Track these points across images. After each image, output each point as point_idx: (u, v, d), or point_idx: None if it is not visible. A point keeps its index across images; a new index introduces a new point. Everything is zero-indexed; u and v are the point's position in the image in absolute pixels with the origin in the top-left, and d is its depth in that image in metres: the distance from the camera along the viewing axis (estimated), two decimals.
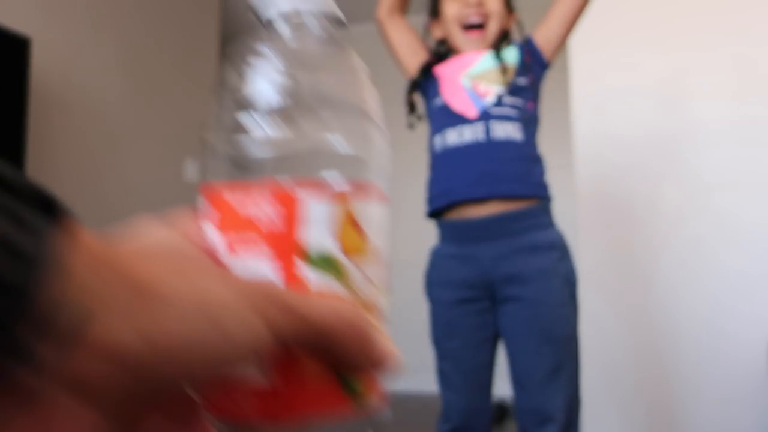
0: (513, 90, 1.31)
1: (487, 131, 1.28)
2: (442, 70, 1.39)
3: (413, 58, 1.45)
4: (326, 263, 0.25)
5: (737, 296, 2.03)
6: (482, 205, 1.27)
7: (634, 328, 2.15)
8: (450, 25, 1.37)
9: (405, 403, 3.59)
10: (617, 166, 2.22)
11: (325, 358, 0.24)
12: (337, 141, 0.26)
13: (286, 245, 0.25)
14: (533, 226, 1.27)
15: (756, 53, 2.09)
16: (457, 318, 1.31)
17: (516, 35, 1.46)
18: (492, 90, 1.30)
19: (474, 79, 1.32)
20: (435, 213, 1.37)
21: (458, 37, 1.36)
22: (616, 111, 2.24)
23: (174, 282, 0.21)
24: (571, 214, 2.16)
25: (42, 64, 2.51)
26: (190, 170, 3.43)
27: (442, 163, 1.34)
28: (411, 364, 3.56)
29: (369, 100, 0.28)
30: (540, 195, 1.31)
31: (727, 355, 2.01)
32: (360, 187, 0.27)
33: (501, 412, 3.03)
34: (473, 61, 1.35)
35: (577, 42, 2.32)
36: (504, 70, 1.32)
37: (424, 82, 1.42)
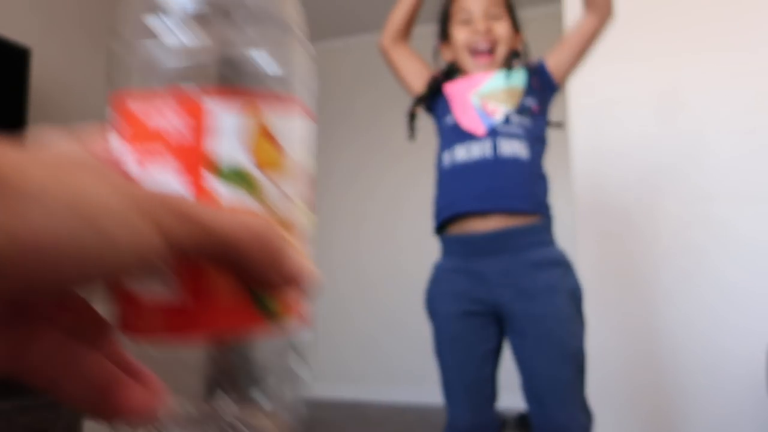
0: (521, 110, 1.35)
1: (495, 148, 1.31)
2: (452, 89, 1.43)
3: (419, 80, 1.49)
4: (238, 177, 0.24)
5: (736, 308, 2.00)
6: (486, 219, 1.29)
7: (632, 338, 2.12)
8: (459, 51, 1.41)
9: (409, 413, 3.56)
10: (615, 178, 2.21)
11: (233, 272, 0.23)
12: (256, 51, 0.25)
13: (194, 158, 0.24)
14: (536, 242, 1.30)
15: (753, 66, 2.09)
16: (461, 331, 1.32)
17: (523, 56, 1.50)
18: (500, 109, 1.34)
19: (483, 97, 1.36)
20: (441, 227, 1.39)
21: (467, 62, 1.40)
22: (614, 123, 2.24)
23: (44, 179, 0.19)
24: (570, 225, 2.14)
25: (42, 75, 2.53)
26: None
27: (450, 178, 1.37)
28: (415, 375, 3.54)
29: (291, 12, 0.27)
30: (543, 212, 1.34)
31: (726, 367, 1.98)
32: (277, 98, 0.25)
33: (522, 422, 2.97)
34: (483, 80, 1.38)
35: None
36: (512, 91, 1.36)
37: (433, 99, 1.45)
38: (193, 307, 0.24)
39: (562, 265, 1.31)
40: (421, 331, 3.77)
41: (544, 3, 3.76)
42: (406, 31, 1.51)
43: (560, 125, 1.50)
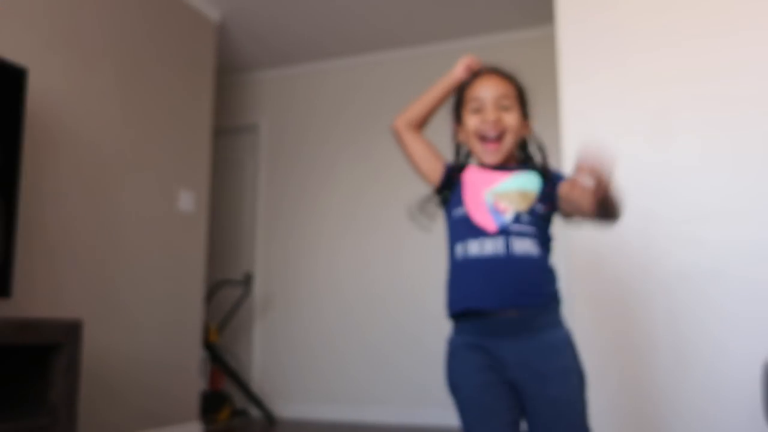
0: (531, 212, 1.41)
1: (507, 246, 1.38)
2: (467, 181, 1.50)
3: (431, 164, 1.58)
4: None
5: (729, 329, 2.03)
6: (499, 312, 1.37)
7: (622, 359, 2.14)
8: (470, 136, 1.51)
9: None
10: None
11: None
12: None
13: None
14: (548, 323, 1.38)
15: (741, 91, 2.13)
16: (489, 400, 1.37)
17: (541, 155, 1.56)
18: (511, 208, 1.41)
19: (496, 196, 1.43)
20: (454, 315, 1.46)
21: (476, 147, 1.50)
22: (606, 143, 2.26)
23: None
24: (563, 246, 2.16)
25: (38, 95, 2.54)
26: (184, 201, 3.44)
27: (463, 271, 1.43)
28: (423, 395, 3.46)
29: None
30: (553, 299, 1.42)
31: (722, 390, 2.00)
32: None
33: None
34: (499, 179, 1.46)
35: (566, 78, 2.36)
36: (526, 194, 1.43)
37: (449, 190, 1.53)
38: None
39: (572, 347, 1.40)
40: (428, 350, 3.78)
41: (538, 25, 3.81)
42: (421, 124, 1.62)
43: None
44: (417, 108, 1.61)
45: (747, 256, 2.04)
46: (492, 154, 1.47)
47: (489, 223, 1.41)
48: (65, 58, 2.77)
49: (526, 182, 1.45)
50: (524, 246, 1.38)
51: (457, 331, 1.44)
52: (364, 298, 4.13)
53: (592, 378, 2.15)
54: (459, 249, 1.44)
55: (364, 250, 4.19)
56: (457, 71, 1.57)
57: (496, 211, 1.41)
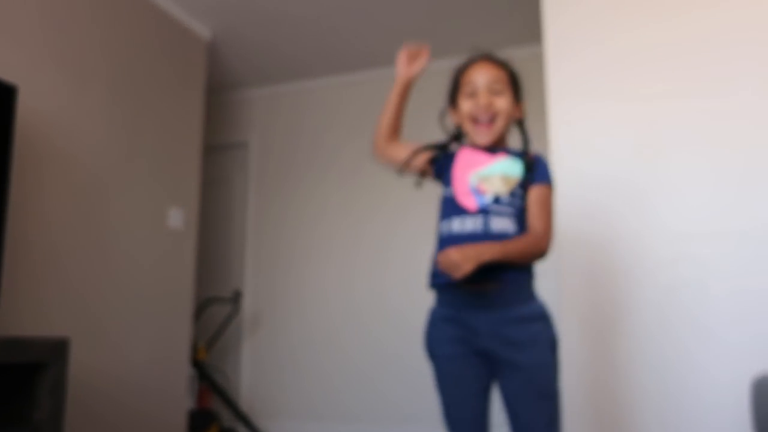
0: (511, 194, 1.52)
1: (485, 224, 1.48)
2: (458, 162, 1.60)
3: (418, 157, 1.66)
4: None
5: (714, 346, 2.03)
6: (475, 285, 1.46)
7: (610, 375, 2.14)
8: (463, 119, 1.60)
9: None
10: (595, 217, 2.25)
11: None
12: None
13: None
14: (521, 298, 1.48)
15: (728, 105, 2.15)
16: (459, 370, 1.50)
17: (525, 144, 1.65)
18: (492, 190, 1.51)
19: (480, 178, 1.53)
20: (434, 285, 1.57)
21: (470, 129, 1.59)
22: (594, 162, 2.29)
23: None
24: (552, 261, 2.17)
25: (28, 113, 2.53)
26: (174, 218, 3.43)
27: (446, 246, 1.51)
28: (407, 414, 3.49)
29: None
30: (527, 273, 1.52)
31: (706, 407, 2.01)
32: None
33: None
34: (484, 163, 1.56)
35: (554, 96, 2.38)
36: (508, 179, 1.53)
37: (441, 167, 1.63)
38: None
39: (543, 319, 1.49)
40: (413, 369, 3.76)
41: (526, 44, 3.85)
42: (395, 131, 1.68)
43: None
44: (383, 117, 1.69)
45: (734, 273, 2.05)
46: (484, 135, 1.57)
47: (471, 202, 1.52)
48: (55, 75, 2.77)
49: (509, 168, 1.55)
50: (502, 224, 1.48)
51: (437, 302, 1.57)
52: (352, 316, 4.12)
53: (579, 394, 2.15)
54: (444, 226, 1.55)
55: (352, 268, 4.18)
56: (399, 69, 1.66)
57: (477, 192, 1.52)
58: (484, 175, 1.54)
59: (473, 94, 1.58)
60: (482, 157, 1.58)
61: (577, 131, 2.33)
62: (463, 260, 1.34)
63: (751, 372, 1.82)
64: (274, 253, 4.42)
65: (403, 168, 1.67)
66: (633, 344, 2.13)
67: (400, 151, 1.67)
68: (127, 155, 3.15)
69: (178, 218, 3.46)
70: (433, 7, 3.56)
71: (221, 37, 3.90)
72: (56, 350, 2.09)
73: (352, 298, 4.14)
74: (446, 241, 1.52)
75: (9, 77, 2.42)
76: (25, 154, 2.53)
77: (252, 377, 4.33)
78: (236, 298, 4.19)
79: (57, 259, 2.70)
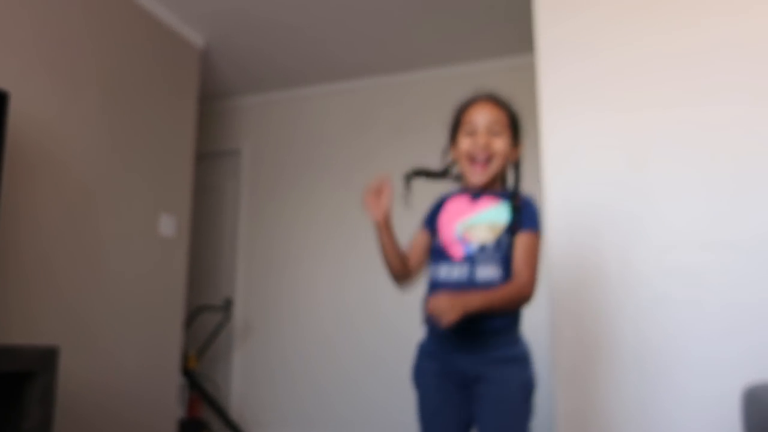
0: (497, 242, 1.55)
1: (470, 272, 1.53)
2: (446, 211, 1.65)
3: (425, 249, 1.69)
4: None
5: (706, 357, 2.04)
6: (460, 333, 1.51)
7: (601, 385, 2.14)
8: (461, 157, 1.64)
9: None
10: (588, 228, 2.25)
11: None
12: None
13: None
14: (503, 342, 1.54)
15: (718, 116, 2.17)
16: (441, 403, 1.57)
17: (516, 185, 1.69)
18: (478, 238, 1.55)
19: (466, 227, 1.58)
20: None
21: (466, 167, 1.64)
22: (586, 172, 2.30)
23: None
24: (544, 272, 2.18)
25: (20, 119, 2.52)
26: (165, 226, 3.42)
27: (434, 292, 1.58)
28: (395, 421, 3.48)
29: None
30: (511, 319, 1.56)
31: (696, 416, 2.01)
32: None
33: None
34: (469, 213, 1.60)
35: (546, 105, 2.39)
36: (494, 227, 1.56)
37: (431, 220, 1.68)
38: None
39: (519, 361, 1.54)
40: (399, 377, 3.75)
41: (518, 53, 3.87)
42: (405, 264, 1.67)
43: None
44: (387, 262, 1.66)
45: (725, 284, 2.06)
46: (479, 175, 1.61)
47: (457, 250, 1.57)
48: (48, 82, 2.76)
49: (496, 215, 1.58)
50: (487, 272, 1.52)
51: (426, 337, 1.63)
52: (344, 324, 4.11)
53: (570, 403, 2.15)
54: (432, 272, 1.61)
55: (343, 276, 4.18)
56: (370, 213, 1.61)
57: (464, 241, 1.56)
58: (471, 224, 1.58)
59: (472, 133, 1.62)
60: (468, 206, 1.62)
61: (569, 140, 2.34)
62: (450, 309, 1.37)
63: (742, 385, 1.83)
64: (265, 261, 4.41)
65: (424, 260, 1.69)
66: (621, 355, 2.13)
67: (419, 265, 1.69)
68: (119, 162, 3.13)
69: (170, 225, 3.45)
70: (424, 17, 3.58)
71: (214, 45, 3.90)
72: (46, 359, 2.07)
73: (343, 306, 4.14)
74: (434, 286, 1.59)
75: (1, 84, 2.41)
76: (16, 161, 2.52)
77: (243, 386, 4.31)
78: (227, 306, 4.18)
79: (47, 266, 2.68)
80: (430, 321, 1.51)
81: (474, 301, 1.42)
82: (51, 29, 2.80)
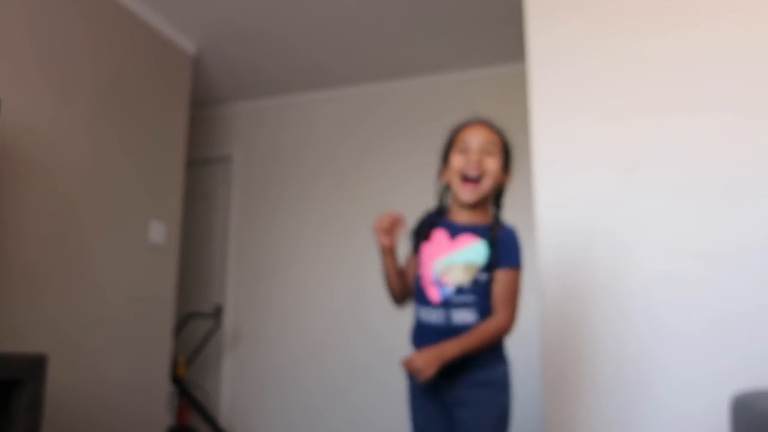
0: (473, 283, 1.57)
1: (447, 317, 1.57)
2: (427, 246, 1.67)
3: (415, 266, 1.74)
4: None
5: (695, 365, 2.05)
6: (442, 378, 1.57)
7: (591, 393, 2.15)
8: (453, 174, 1.66)
9: None
10: (578, 232, 2.26)
11: None
12: None
13: None
14: (483, 362, 1.57)
15: (709, 125, 2.19)
16: (429, 420, 1.63)
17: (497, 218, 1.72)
18: (454, 280, 1.58)
19: (444, 267, 1.60)
20: None
21: (457, 186, 1.65)
22: (577, 180, 2.31)
23: None
24: (535, 279, 2.18)
25: (10, 126, 2.50)
26: (155, 232, 3.40)
27: (417, 330, 1.67)
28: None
29: None
30: (489, 355, 1.59)
31: (686, 426, 2.02)
32: None
33: None
34: (449, 250, 1.62)
35: (537, 113, 2.40)
36: (470, 267, 1.58)
37: (419, 243, 1.71)
38: None
39: (495, 385, 1.57)
40: (389, 386, 3.75)
41: (510, 62, 3.89)
42: (405, 287, 1.73)
43: None
44: (389, 285, 1.73)
45: (713, 292, 2.07)
46: (470, 193, 1.62)
47: (434, 294, 1.60)
48: (39, 89, 2.75)
49: (473, 255, 1.60)
50: (462, 316, 1.56)
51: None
52: (333, 332, 4.10)
53: (562, 411, 2.15)
54: (415, 310, 1.67)
55: (334, 283, 4.17)
56: (380, 240, 1.66)
57: (440, 284, 1.59)
58: (448, 264, 1.60)
59: (465, 151, 1.64)
60: (447, 244, 1.64)
61: (560, 147, 2.35)
62: (425, 366, 1.43)
63: (730, 394, 1.84)
64: (255, 268, 4.40)
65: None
66: (611, 363, 2.14)
67: (413, 285, 1.73)
68: (110, 169, 3.12)
69: (160, 232, 3.43)
70: (414, 25, 3.59)
71: (206, 53, 3.90)
72: (33, 367, 2.06)
73: (333, 314, 4.13)
74: (417, 326, 1.65)
75: None
76: (6, 168, 2.51)
77: (232, 393, 4.29)
78: (217, 313, 4.16)
79: (35, 273, 2.67)
80: (411, 377, 1.58)
81: (450, 349, 1.47)
82: (43, 36, 2.79)
